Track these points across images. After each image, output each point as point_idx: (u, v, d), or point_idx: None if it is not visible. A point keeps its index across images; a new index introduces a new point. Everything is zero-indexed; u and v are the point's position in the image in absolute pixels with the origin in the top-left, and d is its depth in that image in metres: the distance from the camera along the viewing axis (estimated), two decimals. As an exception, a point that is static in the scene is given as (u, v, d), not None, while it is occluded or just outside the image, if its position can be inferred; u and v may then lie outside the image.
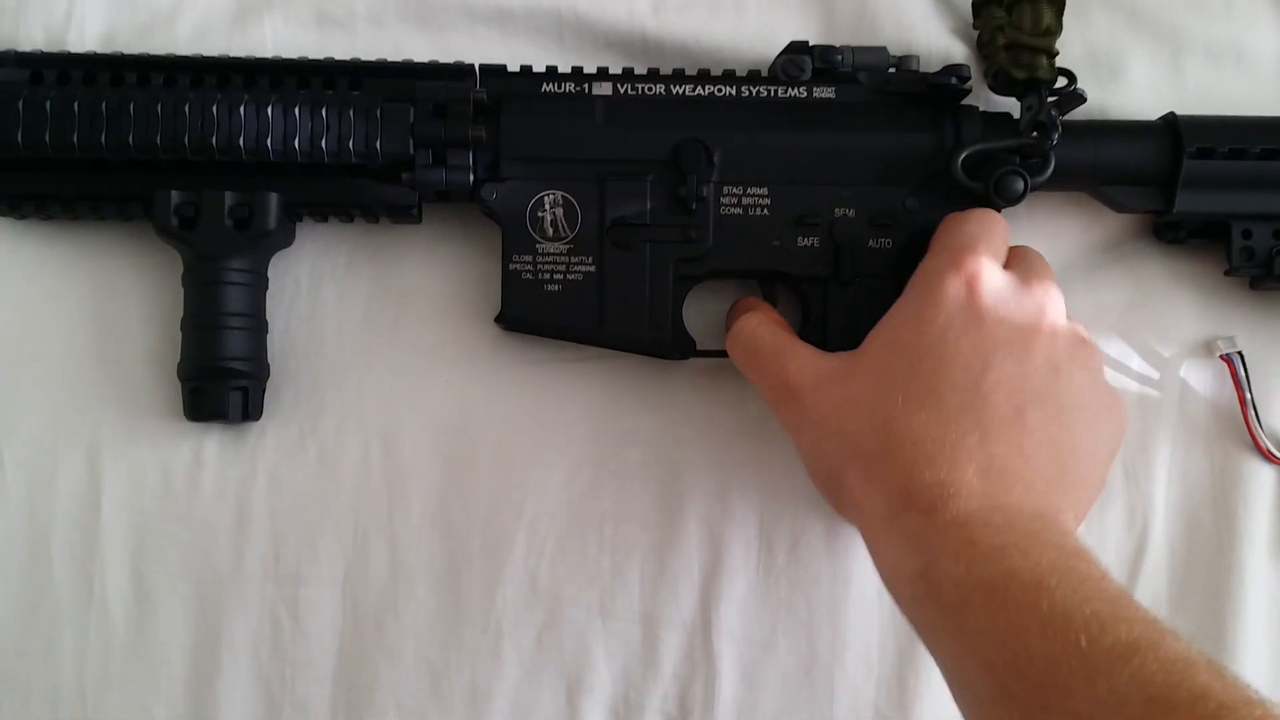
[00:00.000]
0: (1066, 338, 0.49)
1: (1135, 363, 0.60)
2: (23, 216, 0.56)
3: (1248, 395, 0.58)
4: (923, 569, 0.43)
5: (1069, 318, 0.51)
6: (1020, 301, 0.49)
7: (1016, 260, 0.52)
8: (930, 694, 0.57)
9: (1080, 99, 0.55)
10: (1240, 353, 0.58)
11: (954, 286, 0.48)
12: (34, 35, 0.58)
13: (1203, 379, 0.60)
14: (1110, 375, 0.59)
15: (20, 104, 0.52)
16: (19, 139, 0.52)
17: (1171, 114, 0.57)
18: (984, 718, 0.40)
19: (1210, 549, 0.58)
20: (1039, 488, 0.46)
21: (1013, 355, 0.47)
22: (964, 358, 0.47)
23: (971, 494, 0.44)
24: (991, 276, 0.49)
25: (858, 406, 0.48)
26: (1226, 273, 0.58)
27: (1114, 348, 0.60)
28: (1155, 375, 0.60)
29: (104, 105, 0.52)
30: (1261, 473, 0.59)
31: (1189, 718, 0.34)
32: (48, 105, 0.52)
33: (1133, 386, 0.60)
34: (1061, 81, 0.56)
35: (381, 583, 0.57)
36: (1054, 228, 0.60)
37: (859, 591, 0.58)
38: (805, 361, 0.51)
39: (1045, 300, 0.49)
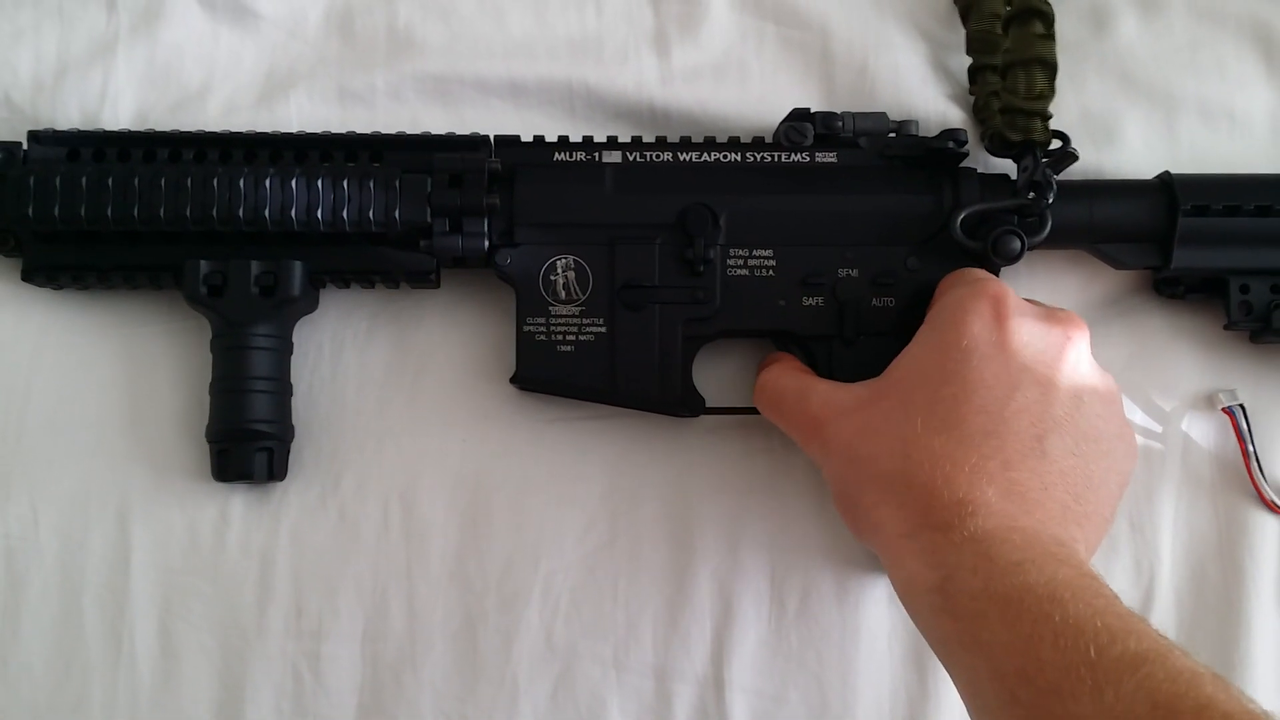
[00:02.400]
0: (1089, 369, 0.50)
1: (1138, 417, 0.61)
2: (59, 287, 0.58)
3: (1250, 447, 0.59)
4: (939, 583, 0.44)
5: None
6: (1046, 330, 0.49)
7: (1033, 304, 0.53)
8: (941, 743, 0.58)
9: (1073, 158, 0.57)
10: (1242, 405, 0.59)
11: (981, 314, 0.49)
12: (70, 114, 0.61)
13: (1205, 432, 0.61)
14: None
15: (58, 180, 0.54)
16: (56, 213, 0.54)
17: (1166, 173, 0.59)
18: None
19: (1217, 601, 0.59)
20: (1055, 516, 0.46)
21: (1036, 383, 0.48)
22: (987, 384, 0.47)
23: (991, 512, 0.45)
24: (1018, 305, 0.50)
25: (877, 430, 0.49)
26: (1226, 327, 0.59)
27: (1117, 402, 0.61)
28: (1158, 429, 0.61)
29: (136, 180, 0.55)
30: (1266, 524, 0.59)
31: None
32: (83, 181, 0.54)
33: (1136, 440, 0.60)
34: (1056, 144, 0.57)
35: (400, 638, 0.58)
36: (1054, 285, 0.62)
37: (869, 644, 0.59)
38: (827, 395, 0.53)
39: (1071, 330, 0.50)
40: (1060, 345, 0.49)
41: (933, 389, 0.48)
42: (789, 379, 0.55)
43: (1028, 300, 0.53)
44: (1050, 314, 0.50)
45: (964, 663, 0.43)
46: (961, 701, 0.44)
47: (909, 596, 0.46)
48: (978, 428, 0.46)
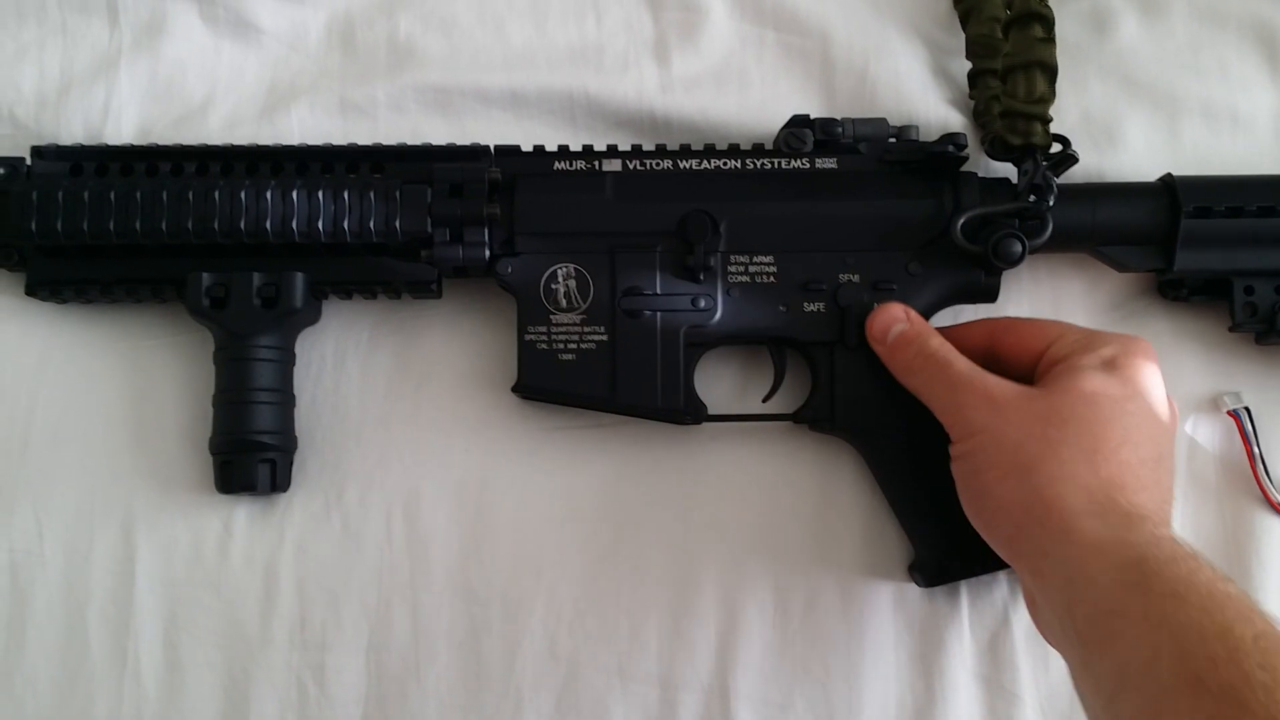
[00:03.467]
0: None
1: (1144, 420, 0.60)
2: (63, 301, 0.59)
3: (1256, 450, 0.58)
4: (1138, 559, 0.45)
5: None
6: (1166, 398, 0.52)
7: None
8: (947, 750, 0.58)
9: (1073, 160, 0.57)
10: (1247, 408, 0.59)
11: (1145, 376, 0.51)
12: (74, 129, 0.61)
13: (1211, 435, 0.60)
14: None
15: (61, 195, 0.55)
16: (59, 228, 0.55)
17: (1168, 175, 0.59)
18: (1156, 707, 0.41)
19: (1226, 604, 0.58)
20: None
21: (1168, 445, 0.51)
22: (1149, 423, 0.50)
23: (1168, 526, 0.48)
24: (1159, 378, 0.52)
25: (1065, 422, 0.49)
26: (1231, 329, 0.59)
27: (1122, 405, 0.60)
28: (1165, 432, 0.60)
29: (138, 194, 0.55)
30: (1273, 527, 0.59)
31: None
32: (86, 196, 0.55)
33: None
34: (1057, 147, 0.57)
35: (404, 648, 0.58)
36: (1058, 288, 0.62)
37: (875, 650, 0.58)
38: (999, 379, 0.52)
39: (1170, 401, 0.53)
40: (1173, 413, 0.52)
41: (1109, 419, 0.50)
42: (955, 354, 0.54)
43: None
44: (1163, 383, 0.52)
45: (1143, 639, 0.43)
46: (1100, 685, 0.44)
47: (1086, 568, 0.46)
48: (1149, 455, 0.49)
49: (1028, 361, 0.54)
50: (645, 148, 0.59)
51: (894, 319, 0.56)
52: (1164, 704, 0.41)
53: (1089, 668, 0.45)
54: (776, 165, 0.58)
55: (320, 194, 0.55)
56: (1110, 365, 0.51)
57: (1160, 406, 0.51)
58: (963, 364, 0.53)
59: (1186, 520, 0.59)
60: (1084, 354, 0.52)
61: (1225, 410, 0.59)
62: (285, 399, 0.58)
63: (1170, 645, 0.41)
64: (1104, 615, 0.45)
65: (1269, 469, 0.59)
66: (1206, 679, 0.39)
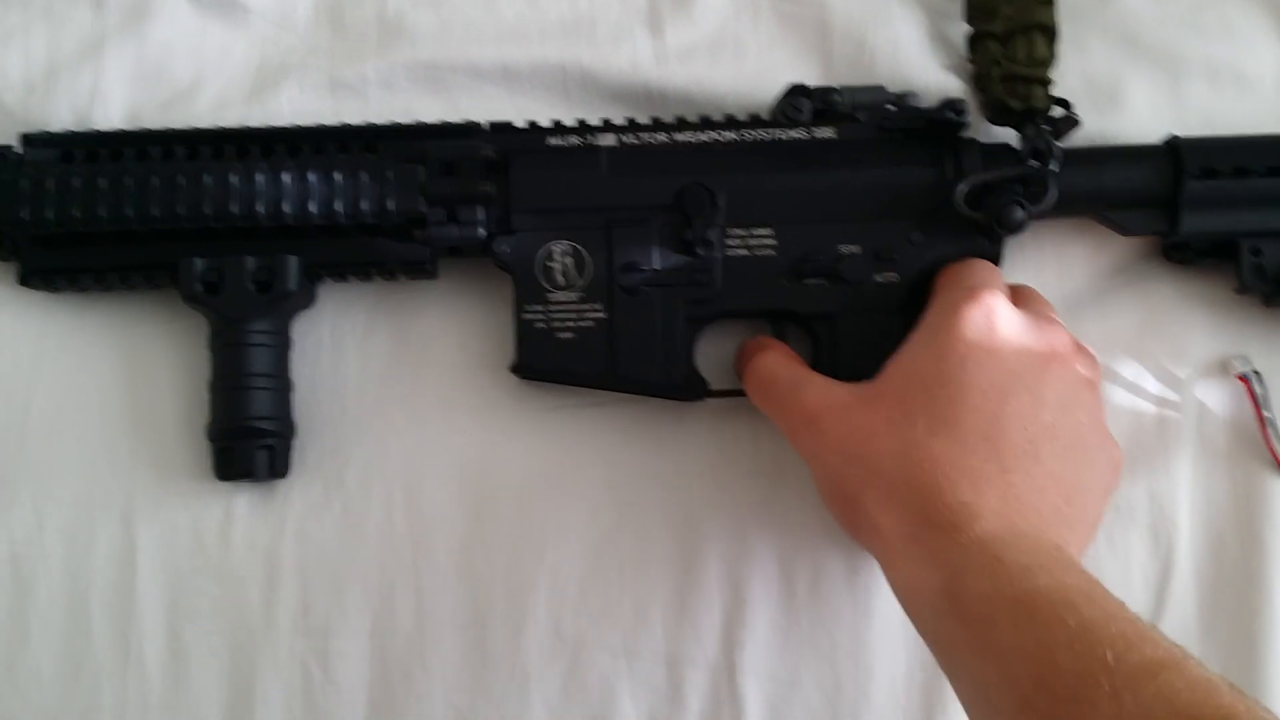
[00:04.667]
0: (1074, 377, 0.50)
1: (1151, 385, 0.60)
2: (56, 289, 0.58)
3: (1267, 414, 0.58)
4: (945, 585, 0.44)
5: (1084, 351, 0.52)
6: (1035, 338, 0.50)
7: (1023, 299, 0.53)
8: (958, 725, 0.57)
9: (1075, 123, 0.56)
10: (1257, 371, 0.58)
11: (973, 319, 0.49)
12: (62, 115, 0.60)
13: (1220, 399, 0.59)
14: (1127, 399, 0.59)
15: (51, 183, 0.54)
16: (51, 216, 0.54)
17: (1172, 136, 0.58)
18: None
19: (1237, 570, 0.58)
20: (1049, 520, 0.46)
21: (1027, 389, 0.48)
22: (982, 388, 0.48)
23: (994, 516, 0.45)
24: (1008, 312, 0.50)
25: (876, 432, 0.49)
26: (1238, 291, 0.58)
27: (1129, 371, 0.60)
28: (1173, 397, 0.60)
29: (129, 180, 0.54)
30: (1284, 491, 0.58)
31: None
32: (77, 183, 0.54)
33: (1150, 409, 0.59)
34: (1059, 111, 0.56)
35: (408, 632, 0.58)
36: (1063, 254, 0.61)
37: (882, 624, 0.58)
38: (822, 390, 0.52)
39: (1056, 339, 0.50)
40: (1048, 353, 0.50)
41: (930, 391, 0.48)
42: (783, 368, 0.54)
43: (1014, 286, 0.54)
44: (1039, 321, 0.51)
45: (971, 668, 0.42)
46: (964, 709, 0.43)
47: (911, 599, 0.47)
48: (974, 430, 0.47)
49: None
50: (640, 121, 0.58)
51: (742, 350, 0.57)
52: None
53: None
54: (774, 136, 0.58)
55: (312, 175, 0.55)
56: (928, 326, 0.51)
57: (1006, 343, 0.49)
58: (786, 379, 0.53)
59: (1198, 487, 0.59)
60: (924, 324, 0.52)
61: (1234, 374, 0.59)
62: (282, 384, 0.57)
63: (995, 672, 0.41)
64: (936, 647, 0.45)
65: None
66: (1036, 701, 0.38)
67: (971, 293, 0.50)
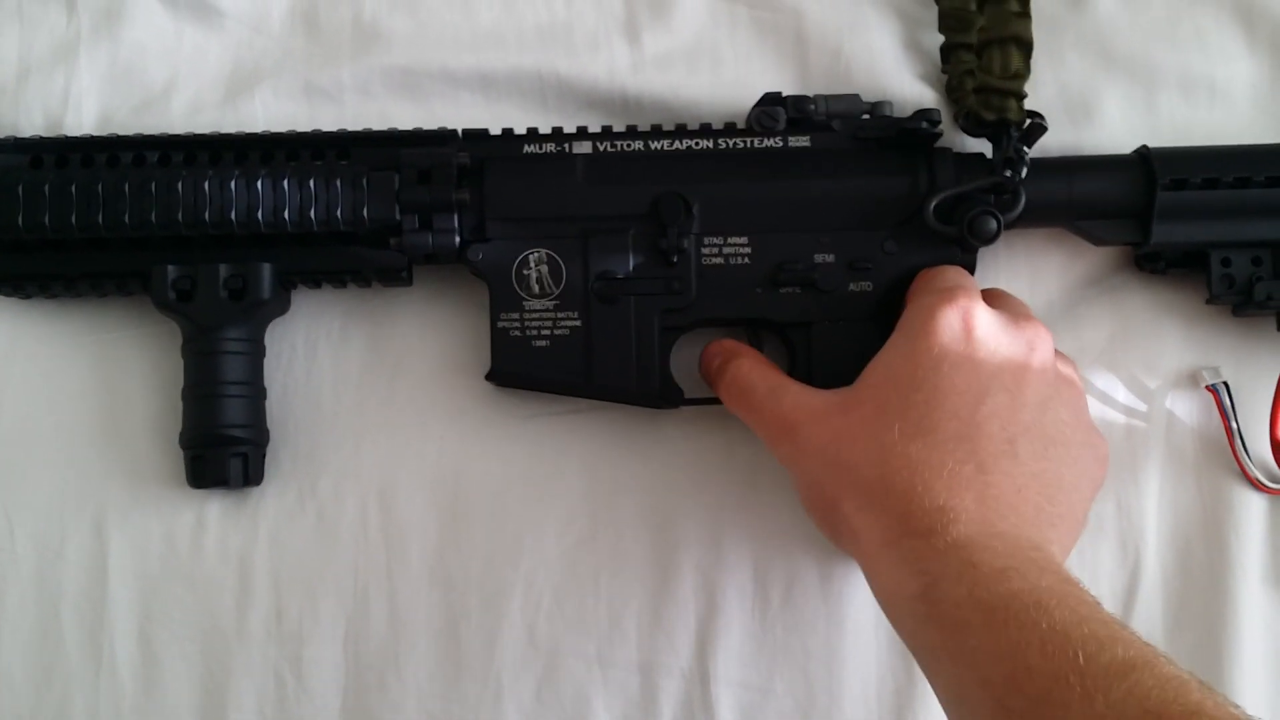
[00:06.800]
0: (1054, 375, 0.51)
1: (1122, 395, 0.60)
2: (27, 296, 0.58)
3: (1234, 425, 0.58)
4: (922, 590, 0.44)
5: (1060, 354, 0.52)
6: (1012, 337, 0.50)
7: (998, 301, 0.53)
8: (929, 732, 0.58)
9: (1042, 129, 0.56)
10: (1225, 382, 0.58)
11: (949, 321, 0.50)
12: (33, 119, 0.60)
13: (1189, 410, 0.60)
14: (1097, 408, 0.60)
15: (20, 188, 0.54)
16: (20, 222, 0.54)
17: (1144, 147, 0.58)
18: None
19: (1204, 579, 0.58)
20: (1030, 518, 0.47)
21: (1005, 389, 0.49)
22: (958, 390, 0.48)
23: (970, 519, 0.45)
24: (984, 312, 0.50)
25: (854, 437, 0.49)
26: (1208, 301, 0.58)
27: (1100, 380, 0.60)
28: (1142, 407, 0.60)
29: (100, 186, 0.54)
30: (1251, 501, 0.58)
31: None
32: (46, 189, 0.54)
33: (1120, 419, 0.60)
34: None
35: (382, 639, 0.58)
36: (1035, 264, 0.61)
37: (855, 633, 0.58)
38: (799, 397, 0.52)
39: (1035, 337, 0.51)
40: (1026, 352, 0.50)
41: (907, 395, 0.49)
42: (759, 375, 0.54)
43: (988, 290, 0.54)
44: (1015, 321, 0.51)
45: (949, 672, 0.43)
46: (943, 711, 0.43)
47: (890, 604, 0.47)
48: (951, 433, 0.47)
49: None
50: (616, 129, 0.58)
51: (711, 355, 0.57)
52: None
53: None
54: (749, 144, 0.58)
55: (285, 183, 0.54)
56: (904, 329, 0.51)
57: (982, 344, 0.49)
58: (764, 386, 0.53)
59: (1165, 495, 0.59)
60: (899, 329, 0.52)
61: (1204, 385, 0.59)
62: (256, 391, 0.57)
63: (970, 675, 0.41)
64: (916, 652, 0.46)
65: (1247, 444, 0.58)
66: (1009, 703, 0.39)
67: (946, 295, 0.51)
